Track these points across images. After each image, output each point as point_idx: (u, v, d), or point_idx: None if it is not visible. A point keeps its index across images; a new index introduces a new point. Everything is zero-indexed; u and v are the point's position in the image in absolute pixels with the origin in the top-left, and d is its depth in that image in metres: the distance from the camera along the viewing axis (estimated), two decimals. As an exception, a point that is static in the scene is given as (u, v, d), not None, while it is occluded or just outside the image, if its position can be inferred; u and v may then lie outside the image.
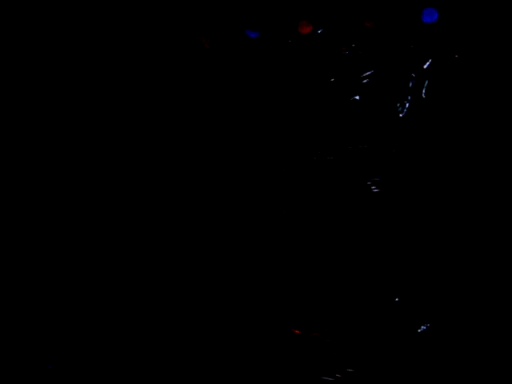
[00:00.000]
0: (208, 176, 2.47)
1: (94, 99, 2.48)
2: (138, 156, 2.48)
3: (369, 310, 2.43)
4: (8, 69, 2.46)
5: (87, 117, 2.48)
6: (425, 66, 2.43)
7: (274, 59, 2.44)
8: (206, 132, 2.47)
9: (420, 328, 2.39)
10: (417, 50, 2.43)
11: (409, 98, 2.43)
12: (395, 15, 2.43)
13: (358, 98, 2.44)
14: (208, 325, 2.45)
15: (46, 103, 2.47)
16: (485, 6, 2.41)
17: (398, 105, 2.43)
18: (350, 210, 2.45)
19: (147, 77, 2.47)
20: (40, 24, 2.46)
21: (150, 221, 2.47)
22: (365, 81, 2.44)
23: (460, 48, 2.43)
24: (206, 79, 2.46)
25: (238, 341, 2.44)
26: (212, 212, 2.47)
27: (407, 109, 2.44)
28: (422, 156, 2.45)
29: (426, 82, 2.43)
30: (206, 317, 2.46)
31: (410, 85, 2.43)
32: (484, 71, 2.42)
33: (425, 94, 2.43)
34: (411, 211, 2.45)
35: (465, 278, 2.41)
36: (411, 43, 2.43)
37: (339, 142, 2.45)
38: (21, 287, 2.44)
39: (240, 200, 2.47)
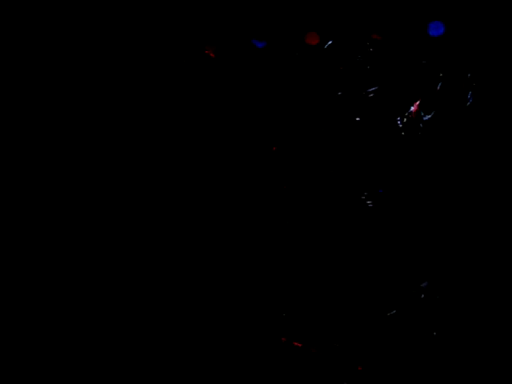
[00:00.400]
0: (209, 180, 2.48)
1: (100, 107, 2.48)
2: (142, 160, 2.48)
3: (367, 321, 2.44)
4: (8, 69, 2.47)
5: (92, 120, 2.48)
6: (431, 82, 2.44)
7: (281, 69, 2.44)
8: (210, 139, 2.47)
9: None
10: (423, 62, 2.44)
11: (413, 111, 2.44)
12: (402, 29, 2.44)
13: (363, 109, 2.44)
14: (206, 334, 2.45)
15: (45, 104, 2.48)
16: (490, 18, 2.42)
17: (404, 117, 2.44)
18: (347, 222, 2.46)
19: (154, 84, 2.47)
20: (43, 27, 2.47)
21: (149, 221, 2.47)
22: (371, 93, 2.44)
23: (466, 61, 2.44)
24: (213, 88, 2.46)
25: (237, 350, 2.45)
26: (206, 220, 2.48)
27: (413, 121, 2.44)
28: (423, 168, 2.46)
29: (434, 95, 2.44)
30: (204, 328, 2.46)
31: (417, 96, 2.44)
32: (490, 82, 2.43)
33: (432, 107, 2.44)
34: (407, 224, 2.45)
35: (459, 289, 2.42)
36: (418, 56, 2.44)
37: (342, 153, 2.46)
38: (21, 287, 2.44)
39: (235, 211, 2.48)
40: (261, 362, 2.43)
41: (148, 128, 2.48)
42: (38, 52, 2.46)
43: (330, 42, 2.41)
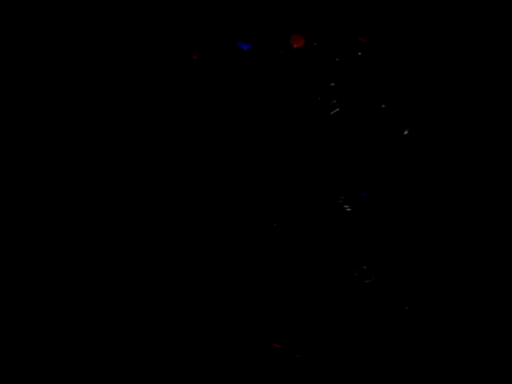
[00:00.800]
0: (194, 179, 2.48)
1: (89, 109, 2.49)
2: (131, 161, 2.48)
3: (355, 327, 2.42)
4: (8, 69, 2.47)
5: (85, 124, 2.49)
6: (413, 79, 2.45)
7: (266, 71, 2.45)
8: (198, 140, 2.47)
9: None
10: (408, 63, 2.45)
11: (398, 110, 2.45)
12: (387, 31, 2.46)
13: (346, 109, 2.45)
14: (203, 335, 2.44)
15: (45, 105, 2.48)
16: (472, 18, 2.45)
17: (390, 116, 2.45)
18: (334, 230, 2.45)
19: (140, 86, 2.47)
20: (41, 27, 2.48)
21: (146, 221, 2.47)
22: (356, 94, 2.45)
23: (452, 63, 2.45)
24: (198, 90, 2.46)
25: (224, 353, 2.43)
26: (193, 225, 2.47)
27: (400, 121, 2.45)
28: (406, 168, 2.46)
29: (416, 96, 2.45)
30: (201, 328, 2.44)
31: (400, 99, 2.45)
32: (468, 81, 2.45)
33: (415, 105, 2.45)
34: (394, 231, 2.45)
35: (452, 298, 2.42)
36: (403, 57, 2.45)
37: (324, 154, 2.46)
38: (21, 287, 2.43)
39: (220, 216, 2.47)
40: (258, 362, 2.42)
41: (134, 129, 2.48)
42: (29, 56, 2.47)
43: (315, 44, 2.42)
